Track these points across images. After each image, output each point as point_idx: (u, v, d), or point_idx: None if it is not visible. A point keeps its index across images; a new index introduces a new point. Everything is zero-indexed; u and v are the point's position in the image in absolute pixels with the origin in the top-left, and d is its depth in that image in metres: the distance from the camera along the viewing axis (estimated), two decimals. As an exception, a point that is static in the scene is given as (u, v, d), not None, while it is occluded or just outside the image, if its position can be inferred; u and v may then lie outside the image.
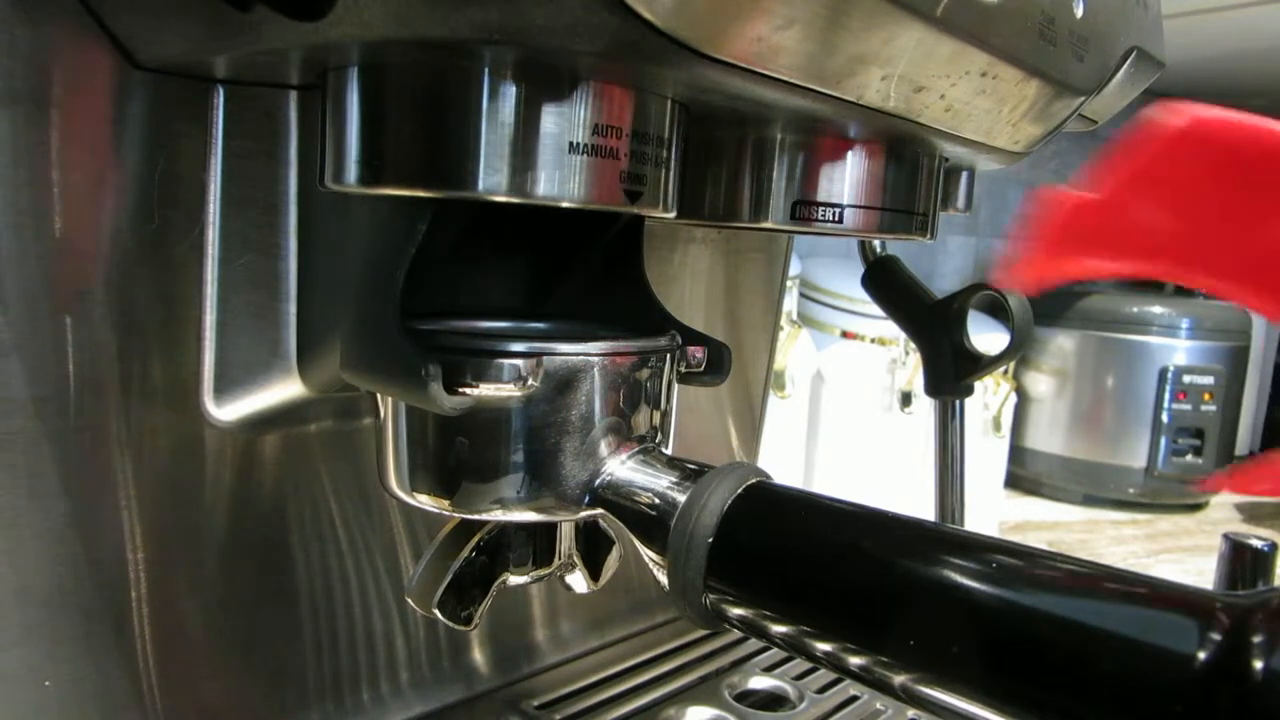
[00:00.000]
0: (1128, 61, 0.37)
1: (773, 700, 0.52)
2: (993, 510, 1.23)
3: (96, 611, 0.35)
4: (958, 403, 0.65)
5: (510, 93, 0.27)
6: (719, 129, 0.37)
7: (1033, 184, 1.61)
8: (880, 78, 0.28)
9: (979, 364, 0.56)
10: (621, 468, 0.33)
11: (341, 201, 0.35)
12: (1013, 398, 1.22)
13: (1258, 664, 0.18)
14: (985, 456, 1.18)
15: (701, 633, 0.57)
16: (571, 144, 0.27)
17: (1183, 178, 0.18)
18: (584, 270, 0.39)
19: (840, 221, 0.38)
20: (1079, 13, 0.32)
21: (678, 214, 0.33)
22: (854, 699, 0.51)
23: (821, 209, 0.37)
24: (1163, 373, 1.42)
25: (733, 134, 0.38)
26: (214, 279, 0.36)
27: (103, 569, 0.35)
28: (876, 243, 0.64)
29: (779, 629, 0.28)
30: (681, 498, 0.30)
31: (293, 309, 0.38)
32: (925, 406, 1.05)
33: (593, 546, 0.40)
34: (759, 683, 0.53)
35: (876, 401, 1.06)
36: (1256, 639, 0.19)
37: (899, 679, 0.25)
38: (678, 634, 0.58)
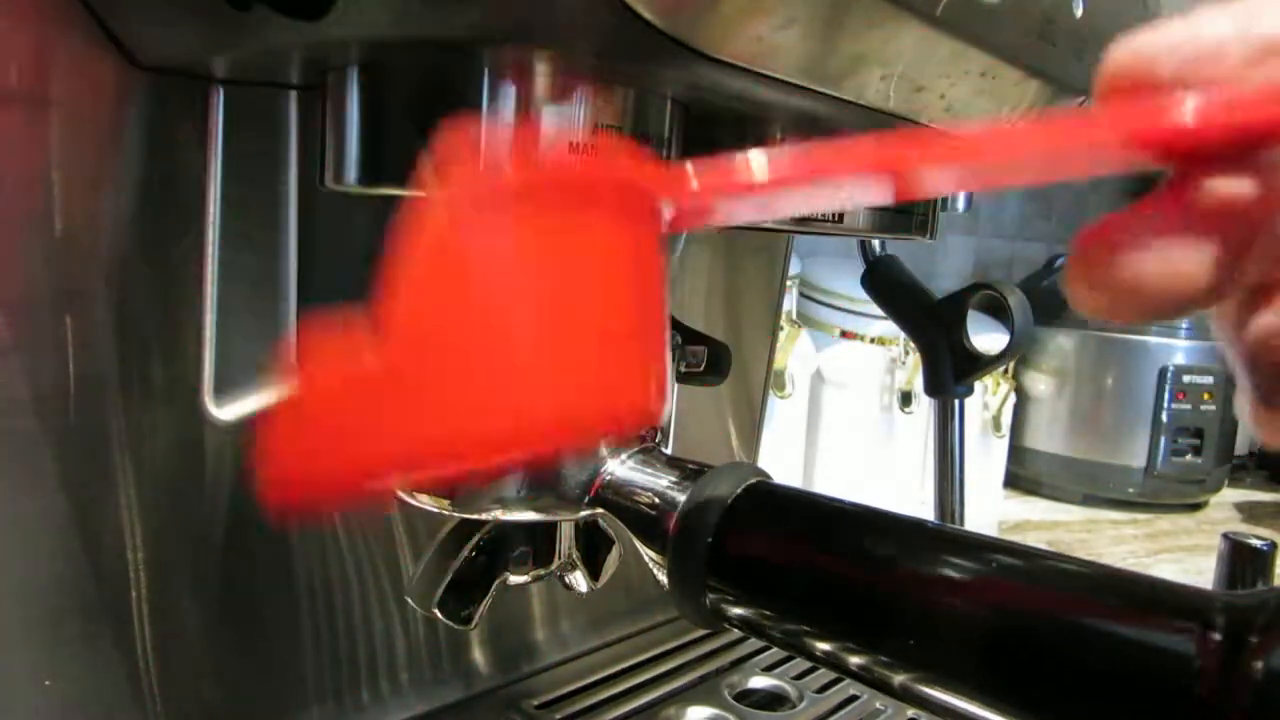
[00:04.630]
0: (1127, 61, 0.37)
1: (773, 700, 0.52)
2: (992, 510, 1.23)
3: (96, 611, 0.35)
4: (957, 402, 0.65)
5: (510, 92, 0.27)
6: (719, 129, 0.37)
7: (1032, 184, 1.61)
8: (880, 77, 0.28)
9: (979, 364, 0.56)
10: (621, 467, 0.33)
11: (342, 201, 0.35)
12: (1012, 397, 1.22)
13: (1257, 664, 0.18)
14: (985, 456, 1.18)
15: (701, 632, 0.57)
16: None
17: None
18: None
19: (840, 221, 0.38)
20: (1079, 13, 0.32)
21: (678, 214, 0.33)
22: (854, 699, 0.51)
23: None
24: (1162, 373, 1.42)
25: (733, 134, 0.38)
26: (214, 279, 0.36)
27: (103, 569, 0.35)
28: (876, 243, 0.64)
29: (779, 629, 0.28)
30: (681, 497, 0.30)
31: (293, 309, 0.38)
32: (925, 406, 1.04)
33: (593, 546, 0.40)
34: (759, 682, 0.53)
35: (876, 401, 1.06)
36: (1256, 639, 0.19)
37: (899, 679, 0.25)
38: (678, 634, 0.58)
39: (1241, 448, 1.56)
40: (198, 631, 0.39)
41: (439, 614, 0.38)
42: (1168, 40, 0.17)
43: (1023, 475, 1.48)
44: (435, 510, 0.34)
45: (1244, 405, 0.19)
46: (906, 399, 1.05)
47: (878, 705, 0.51)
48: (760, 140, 0.37)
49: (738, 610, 0.29)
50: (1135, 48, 0.17)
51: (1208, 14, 0.17)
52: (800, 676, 0.53)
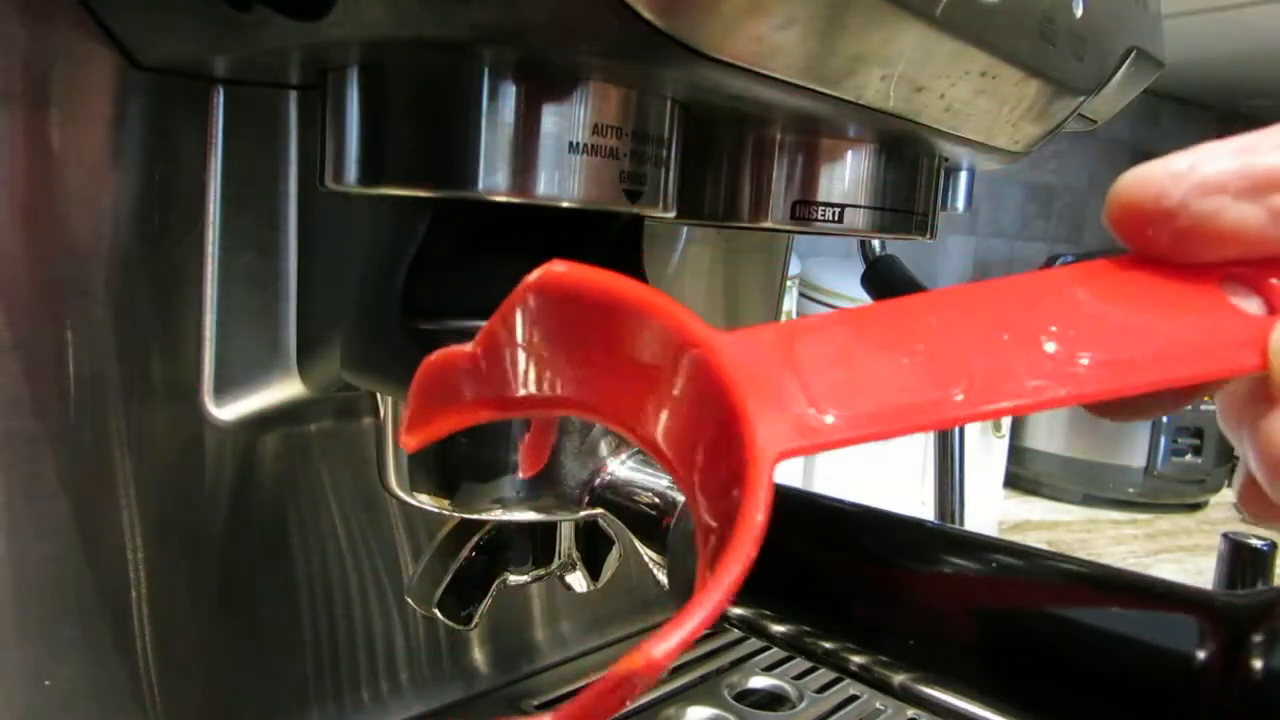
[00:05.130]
0: (1127, 61, 0.37)
1: (773, 700, 0.52)
2: (992, 510, 1.23)
3: (96, 611, 0.35)
4: (957, 402, 0.65)
5: (510, 92, 0.27)
6: (719, 129, 0.37)
7: (1033, 184, 1.61)
8: (880, 77, 0.28)
9: (979, 364, 0.56)
10: (621, 467, 0.33)
11: (342, 201, 0.35)
12: (1012, 397, 1.22)
13: (1257, 664, 0.18)
14: (985, 456, 1.18)
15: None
16: (571, 143, 0.27)
17: (546, 328, 0.18)
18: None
19: (840, 221, 0.38)
20: (1079, 13, 0.32)
21: (678, 214, 0.33)
22: (854, 699, 0.51)
23: (821, 208, 0.37)
24: (1162, 372, 1.42)
25: (733, 134, 0.38)
26: (214, 279, 0.36)
27: (103, 569, 0.35)
28: (876, 242, 0.64)
29: (779, 629, 0.28)
30: (681, 497, 0.30)
31: (293, 309, 0.38)
32: (925, 406, 1.04)
33: (593, 546, 0.40)
34: (759, 682, 0.53)
35: (876, 401, 1.06)
36: (1256, 639, 0.19)
37: (898, 679, 0.25)
38: (678, 634, 0.58)
39: (1241, 448, 1.56)
40: (198, 631, 0.39)
41: (439, 614, 0.38)
42: (1171, 172, 0.18)
43: (1023, 475, 1.48)
44: (435, 510, 0.34)
45: (1238, 479, 0.20)
46: (906, 399, 1.05)
47: (878, 705, 0.51)
48: (760, 140, 0.37)
49: (738, 610, 0.29)
50: (1141, 177, 0.18)
51: (1211, 148, 0.18)
52: (800, 676, 0.53)
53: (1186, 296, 0.18)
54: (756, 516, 0.15)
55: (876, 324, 0.18)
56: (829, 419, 0.16)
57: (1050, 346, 0.17)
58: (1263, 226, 0.18)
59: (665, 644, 0.13)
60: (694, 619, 0.14)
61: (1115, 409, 0.20)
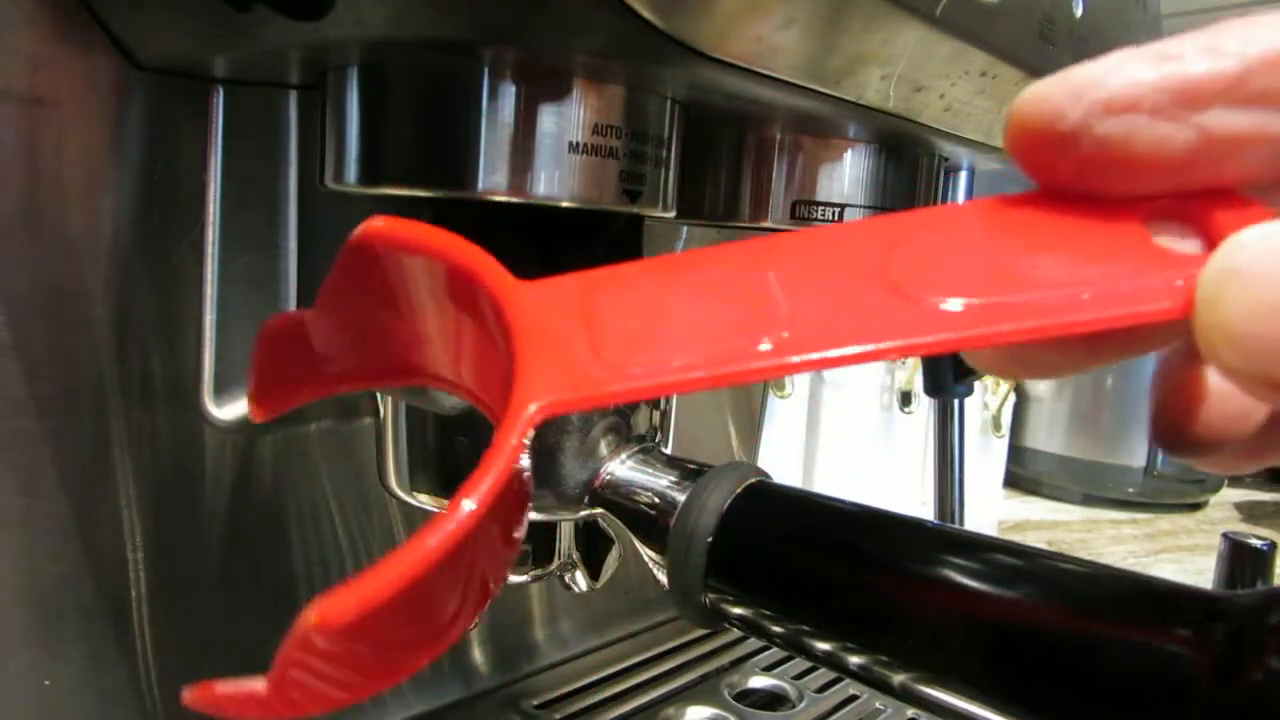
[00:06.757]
0: (1127, 61, 0.37)
1: (772, 699, 0.52)
2: (992, 510, 1.23)
3: (96, 611, 0.35)
4: (957, 402, 0.65)
5: (510, 92, 0.27)
6: (719, 129, 0.37)
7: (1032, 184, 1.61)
8: (880, 77, 0.28)
9: (979, 364, 0.56)
10: (621, 467, 0.33)
11: (341, 201, 0.35)
12: (1012, 397, 1.22)
13: (1257, 664, 0.18)
14: (985, 456, 1.18)
15: (701, 632, 0.57)
16: (571, 143, 0.27)
17: (380, 288, 0.18)
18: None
19: (840, 221, 0.38)
20: (1078, 13, 0.32)
21: (677, 214, 0.33)
22: (854, 698, 0.51)
23: (821, 208, 0.37)
24: (1162, 372, 1.42)
25: (733, 134, 0.38)
26: (214, 279, 0.36)
27: (103, 568, 0.35)
28: (876, 242, 0.64)
29: (779, 629, 0.28)
30: (681, 497, 0.30)
31: (292, 309, 0.38)
32: (925, 406, 1.04)
33: (593, 546, 0.40)
34: (759, 682, 0.53)
35: (876, 401, 1.06)
36: (1256, 639, 0.19)
37: (898, 679, 0.25)
38: (677, 633, 0.58)
39: (1241, 447, 1.55)
40: (198, 632, 0.39)
41: (439, 614, 0.38)
42: (1071, 86, 0.14)
43: (1023, 475, 1.48)
44: (435, 510, 0.34)
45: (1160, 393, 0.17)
46: (906, 399, 1.05)
47: (878, 705, 0.51)
48: (760, 140, 0.37)
49: (738, 610, 0.29)
50: (1038, 94, 0.14)
51: (1125, 54, 0.14)
52: (800, 676, 0.53)
53: (1096, 234, 0.15)
54: (492, 470, 0.14)
55: (697, 270, 0.16)
56: (606, 370, 0.15)
57: (903, 286, 0.15)
58: (1191, 151, 0.14)
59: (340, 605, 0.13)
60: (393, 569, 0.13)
61: (1002, 363, 0.17)
